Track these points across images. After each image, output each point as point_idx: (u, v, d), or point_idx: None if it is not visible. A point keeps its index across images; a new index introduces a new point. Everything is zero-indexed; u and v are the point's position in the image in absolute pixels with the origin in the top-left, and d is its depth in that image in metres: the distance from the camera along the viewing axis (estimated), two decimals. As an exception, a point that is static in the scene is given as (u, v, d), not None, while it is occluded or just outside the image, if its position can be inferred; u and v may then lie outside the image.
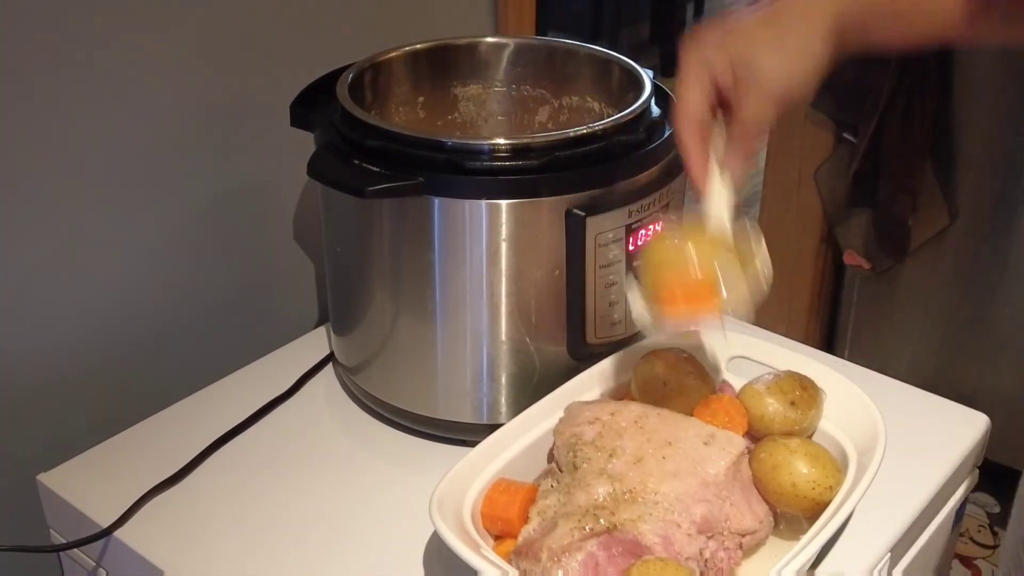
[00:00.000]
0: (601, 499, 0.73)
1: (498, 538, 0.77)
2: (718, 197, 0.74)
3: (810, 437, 0.83)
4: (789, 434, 0.80)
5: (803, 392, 0.81)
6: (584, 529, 0.72)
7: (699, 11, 4.42)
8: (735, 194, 0.73)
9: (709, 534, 0.73)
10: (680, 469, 0.75)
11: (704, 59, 0.72)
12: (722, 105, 0.73)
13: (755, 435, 0.82)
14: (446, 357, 0.90)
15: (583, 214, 0.84)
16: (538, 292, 0.87)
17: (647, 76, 0.95)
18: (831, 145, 1.73)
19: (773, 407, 0.80)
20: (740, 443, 0.77)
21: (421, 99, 1.03)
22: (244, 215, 1.05)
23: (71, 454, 0.92)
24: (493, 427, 0.82)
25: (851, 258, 1.76)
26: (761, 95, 0.70)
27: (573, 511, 0.73)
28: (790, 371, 0.83)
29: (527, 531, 0.75)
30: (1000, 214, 1.62)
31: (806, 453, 0.77)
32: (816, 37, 0.70)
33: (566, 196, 0.84)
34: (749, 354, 0.86)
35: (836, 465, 0.77)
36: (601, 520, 0.72)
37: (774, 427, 0.80)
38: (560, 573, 0.70)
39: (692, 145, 0.73)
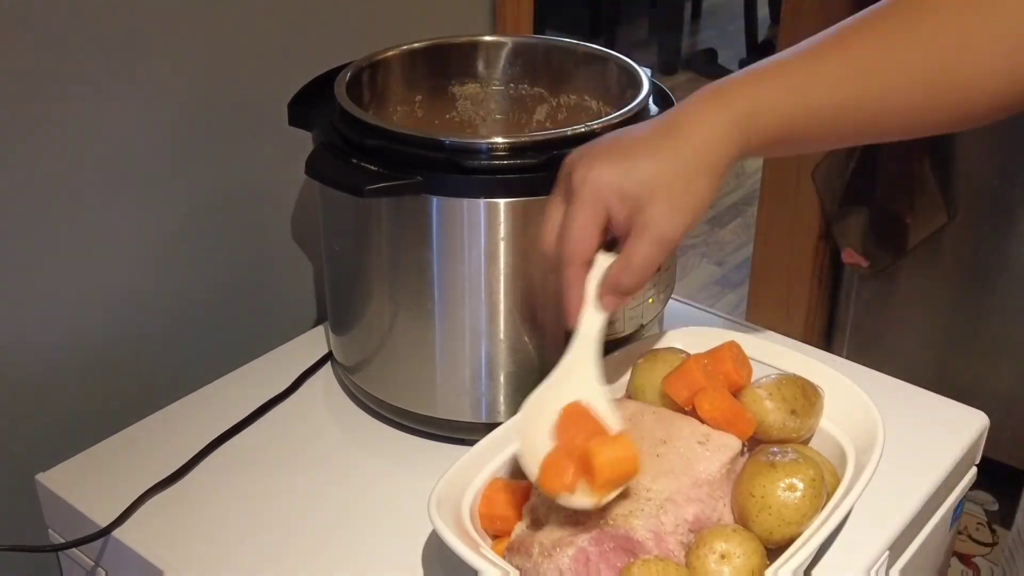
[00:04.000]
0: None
1: (496, 537, 0.77)
2: (587, 328, 0.76)
3: (808, 440, 0.83)
4: (786, 441, 0.80)
5: (805, 400, 0.81)
6: (575, 524, 0.72)
7: (697, 10, 4.42)
8: (604, 328, 0.75)
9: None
10: (674, 467, 0.75)
11: (601, 197, 0.71)
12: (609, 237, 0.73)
13: (753, 437, 0.82)
14: (445, 356, 0.90)
15: (581, 213, 0.83)
16: (537, 291, 0.87)
17: (645, 74, 0.95)
18: (829, 144, 1.73)
19: (773, 415, 0.80)
20: (735, 444, 0.77)
21: (419, 98, 1.03)
22: (242, 214, 1.05)
23: (70, 454, 0.92)
24: (492, 426, 0.81)
25: (849, 256, 1.76)
26: (653, 245, 0.71)
27: (564, 507, 0.73)
28: (793, 376, 0.83)
29: (520, 528, 0.75)
30: (998, 212, 1.62)
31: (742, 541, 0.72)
32: (712, 191, 0.71)
33: (564, 195, 0.83)
34: (748, 352, 0.86)
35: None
36: (593, 516, 0.72)
37: (772, 434, 0.80)
38: (551, 568, 0.70)
39: (574, 283, 0.74)
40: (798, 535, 0.73)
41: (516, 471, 0.80)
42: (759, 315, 1.92)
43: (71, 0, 0.85)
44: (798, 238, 1.83)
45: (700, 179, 0.70)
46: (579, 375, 0.75)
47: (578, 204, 0.71)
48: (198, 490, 0.88)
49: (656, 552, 0.71)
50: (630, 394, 0.86)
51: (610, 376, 0.88)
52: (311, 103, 0.93)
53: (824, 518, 0.73)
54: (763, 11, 4.05)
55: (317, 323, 1.13)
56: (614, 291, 0.74)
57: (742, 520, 0.74)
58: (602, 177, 0.70)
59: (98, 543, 0.85)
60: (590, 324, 0.76)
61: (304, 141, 0.91)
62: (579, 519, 0.72)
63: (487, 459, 0.79)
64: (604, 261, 0.74)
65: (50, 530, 0.92)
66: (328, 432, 0.96)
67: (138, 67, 0.91)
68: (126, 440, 0.94)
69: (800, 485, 0.73)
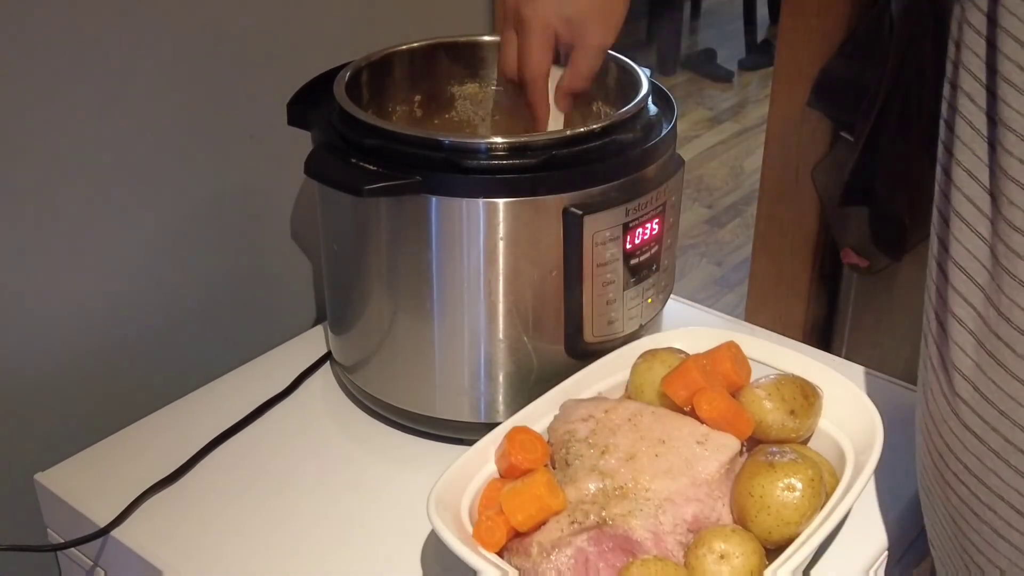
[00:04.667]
0: (591, 495, 0.74)
1: (496, 537, 0.77)
2: (553, 127, 0.92)
3: (807, 440, 0.83)
4: (785, 441, 0.80)
5: (804, 401, 0.81)
6: (574, 524, 0.72)
7: (696, 10, 4.42)
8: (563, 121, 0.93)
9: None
10: (673, 467, 0.75)
11: (549, 24, 0.86)
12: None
13: (752, 437, 0.82)
14: (444, 356, 0.90)
15: (580, 213, 0.84)
16: (536, 291, 0.87)
17: (644, 75, 0.95)
18: (828, 144, 1.74)
19: (772, 416, 0.80)
20: (734, 444, 0.77)
21: (418, 98, 1.03)
22: (241, 214, 1.05)
23: (68, 453, 0.92)
24: (491, 426, 0.81)
25: (848, 256, 1.76)
26: (595, 54, 0.88)
27: (564, 506, 0.73)
28: (792, 376, 0.83)
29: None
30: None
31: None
32: (626, 7, 0.87)
33: (563, 195, 0.84)
34: (747, 352, 0.86)
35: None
36: (591, 515, 0.72)
37: (771, 434, 0.80)
38: (550, 568, 0.70)
39: (540, 96, 0.90)
40: (797, 535, 0.73)
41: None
42: (758, 315, 1.92)
43: (69, 0, 0.85)
44: (797, 238, 1.83)
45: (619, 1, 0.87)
46: None
47: (532, 33, 0.86)
48: (197, 490, 0.88)
49: (655, 552, 0.71)
50: (629, 394, 0.86)
51: (610, 376, 0.88)
52: (310, 103, 0.93)
53: (823, 518, 0.73)
54: (762, 11, 4.05)
55: (316, 323, 1.13)
56: (568, 93, 0.91)
57: (741, 520, 0.74)
58: (547, 8, 0.86)
59: (97, 543, 0.85)
60: (555, 125, 0.92)
61: (303, 141, 0.91)
62: (578, 519, 0.72)
63: (486, 459, 0.79)
64: (556, 73, 0.90)
65: (49, 530, 0.92)
66: (327, 432, 0.96)
67: (137, 67, 0.91)
68: (125, 440, 0.94)
69: (799, 485, 0.73)
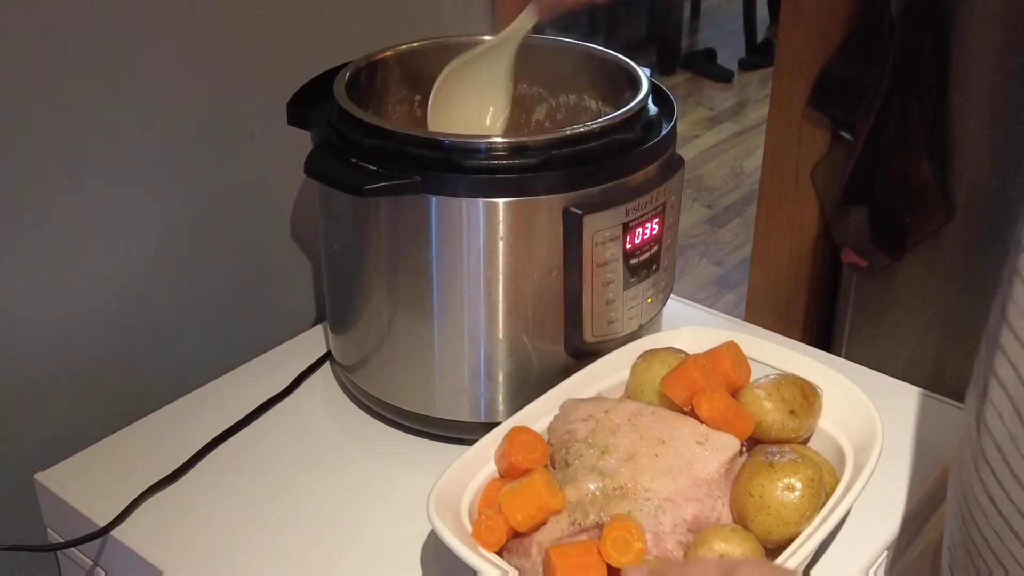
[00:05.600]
0: (591, 494, 0.74)
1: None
2: (519, 26, 0.91)
3: (807, 440, 0.83)
4: (784, 441, 0.80)
5: (804, 401, 0.81)
6: (574, 524, 0.72)
7: (696, 10, 4.42)
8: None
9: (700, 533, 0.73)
10: (672, 467, 0.75)
11: None
12: None
13: (751, 437, 0.82)
14: (443, 356, 0.90)
15: (580, 212, 0.84)
16: (535, 290, 0.87)
17: (644, 74, 0.95)
18: (828, 144, 1.74)
19: (772, 416, 0.80)
20: (734, 444, 0.77)
21: (418, 98, 1.03)
22: (241, 214, 1.05)
23: (68, 453, 0.92)
24: (490, 425, 0.82)
25: (848, 256, 1.76)
26: None
27: (563, 506, 0.73)
28: (792, 376, 0.83)
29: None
30: (997, 212, 1.62)
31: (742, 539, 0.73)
32: None
33: (563, 195, 0.84)
34: (747, 352, 0.86)
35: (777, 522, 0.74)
36: (591, 515, 0.72)
37: (771, 434, 0.80)
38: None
39: None
40: (797, 535, 0.73)
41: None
42: (758, 315, 1.91)
43: (69, 1, 0.85)
44: (797, 238, 1.83)
45: None
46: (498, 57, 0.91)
47: None
48: (197, 489, 0.88)
49: (655, 552, 0.71)
50: (629, 394, 0.86)
51: (609, 376, 0.88)
52: (310, 103, 0.93)
53: (823, 518, 0.73)
54: (762, 11, 4.05)
55: (316, 323, 1.13)
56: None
57: (741, 520, 0.74)
58: None
59: (97, 542, 0.85)
60: (522, 24, 0.91)
61: (303, 141, 0.91)
62: (577, 519, 0.72)
63: (486, 459, 0.79)
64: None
65: (49, 529, 0.92)
66: (327, 432, 0.96)
67: (137, 67, 0.91)
68: (125, 439, 0.94)
69: (798, 485, 0.73)
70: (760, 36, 4.05)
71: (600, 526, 0.71)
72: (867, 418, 0.82)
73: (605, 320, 0.90)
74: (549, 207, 0.84)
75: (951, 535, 0.70)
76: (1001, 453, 0.62)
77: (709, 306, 1.17)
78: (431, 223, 0.84)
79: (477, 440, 0.80)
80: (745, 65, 3.98)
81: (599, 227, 0.85)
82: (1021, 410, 0.61)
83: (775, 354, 0.88)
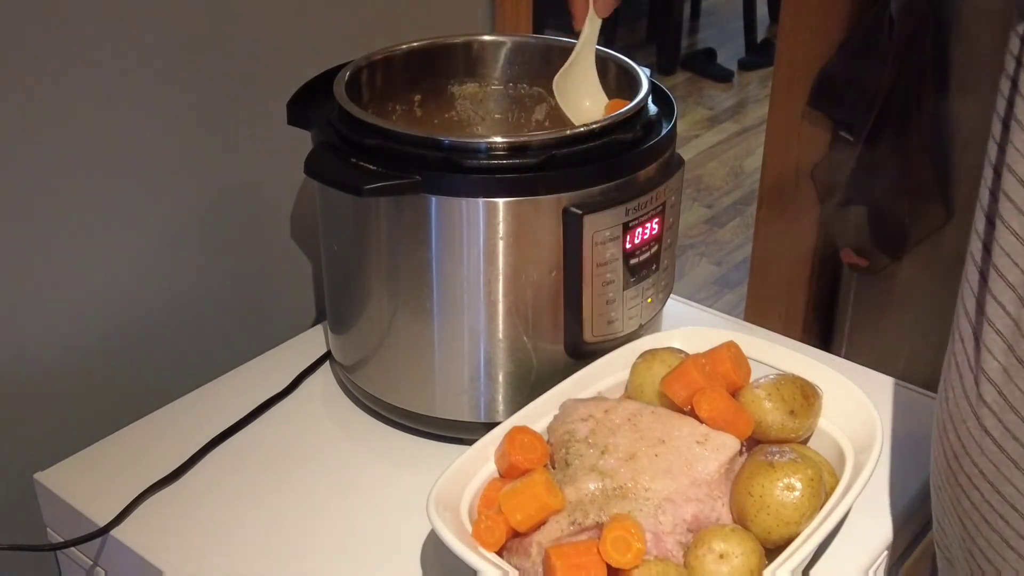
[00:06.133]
0: (591, 494, 0.74)
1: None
2: (590, 29, 0.94)
3: (807, 440, 0.83)
4: (784, 441, 0.80)
5: (804, 401, 0.81)
6: (574, 524, 0.72)
7: (696, 10, 4.42)
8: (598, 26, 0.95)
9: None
10: (672, 467, 0.75)
11: None
12: None
13: (751, 437, 0.82)
14: (443, 355, 0.90)
15: (580, 212, 0.84)
16: (535, 290, 0.87)
17: (644, 74, 0.95)
18: (828, 143, 1.73)
19: (772, 416, 0.80)
20: (734, 444, 0.77)
21: (418, 97, 1.03)
22: (241, 213, 1.05)
23: (68, 453, 0.92)
24: (490, 425, 0.81)
25: (848, 256, 1.76)
26: None
27: (563, 506, 0.73)
28: (792, 376, 0.83)
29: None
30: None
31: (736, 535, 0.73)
32: None
33: (563, 194, 0.84)
34: (747, 352, 0.86)
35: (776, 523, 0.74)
36: (591, 515, 0.72)
37: (771, 434, 0.80)
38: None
39: (580, 4, 0.92)
40: (796, 535, 0.73)
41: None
42: (758, 315, 1.91)
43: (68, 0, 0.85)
44: (797, 238, 1.83)
45: None
46: (584, 59, 0.96)
47: None
48: (197, 489, 0.88)
49: (654, 552, 0.71)
50: (629, 393, 0.86)
51: (609, 376, 0.88)
52: (310, 102, 0.93)
53: (822, 518, 0.73)
54: (762, 11, 4.05)
55: (316, 322, 1.13)
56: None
57: (740, 520, 0.74)
58: None
59: (96, 542, 0.85)
60: (591, 28, 0.94)
61: (303, 140, 0.91)
62: (577, 519, 0.72)
63: (486, 458, 0.79)
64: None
65: (48, 529, 0.92)
66: (327, 431, 0.96)
67: (137, 66, 0.91)
68: (124, 439, 0.94)
69: (798, 485, 0.73)
70: (760, 36, 4.05)
71: (600, 526, 0.71)
72: (867, 418, 0.82)
73: (605, 320, 0.90)
74: (549, 207, 0.84)
75: (938, 473, 0.71)
76: (995, 386, 0.63)
77: (709, 306, 1.17)
78: (431, 223, 0.84)
79: (477, 440, 0.80)
80: (745, 65, 3.98)
81: (599, 227, 0.85)
82: (1014, 345, 0.62)
83: (775, 354, 0.88)
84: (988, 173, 0.64)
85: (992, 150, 0.63)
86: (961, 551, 0.69)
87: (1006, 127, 0.62)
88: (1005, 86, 0.63)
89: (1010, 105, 0.62)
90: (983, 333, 0.63)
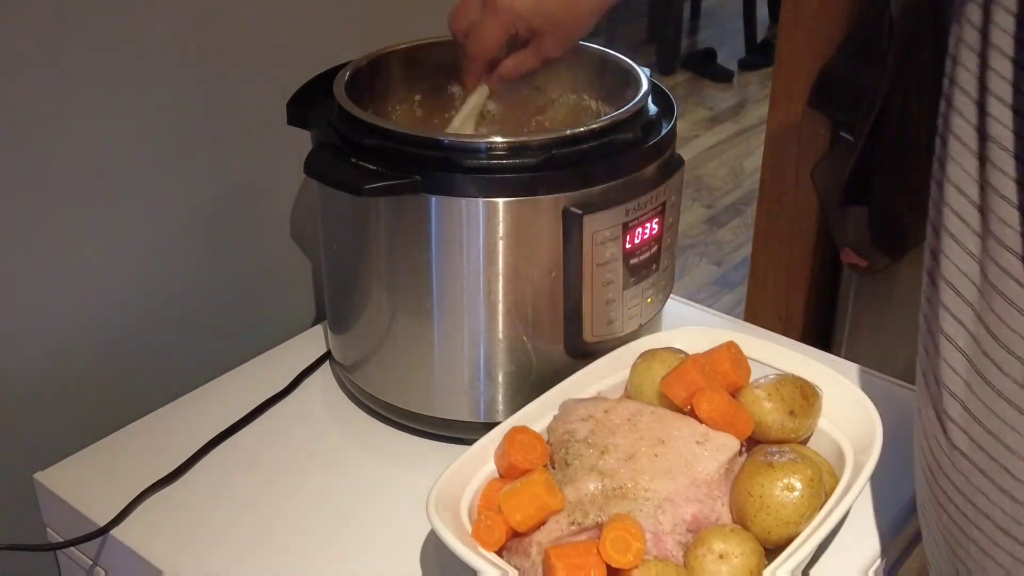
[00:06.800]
0: (591, 494, 0.74)
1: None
2: (478, 98, 0.96)
3: (806, 440, 0.83)
4: (784, 441, 0.80)
5: (804, 401, 0.81)
6: (573, 524, 0.72)
7: (696, 10, 4.42)
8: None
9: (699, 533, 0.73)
10: (672, 467, 0.75)
11: (514, 17, 0.88)
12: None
13: (751, 437, 0.82)
14: (443, 355, 0.90)
15: (580, 212, 0.84)
16: (535, 290, 0.87)
17: (644, 74, 0.95)
18: (828, 144, 1.74)
19: (772, 416, 0.80)
20: (733, 444, 0.77)
21: (418, 97, 1.03)
22: (241, 213, 1.05)
23: (68, 452, 0.92)
24: (490, 425, 0.82)
25: (848, 257, 1.76)
26: (536, 59, 0.91)
27: (563, 506, 0.73)
28: (791, 376, 0.83)
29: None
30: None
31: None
32: (594, 22, 0.89)
33: (563, 194, 0.84)
34: (746, 352, 0.86)
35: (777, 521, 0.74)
36: (591, 515, 0.72)
37: (770, 434, 0.80)
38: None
39: (475, 71, 0.93)
40: (796, 535, 0.73)
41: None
42: (757, 315, 1.91)
43: (68, 0, 0.85)
44: (797, 238, 1.83)
45: (590, 17, 0.89)
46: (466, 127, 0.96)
47: (496, 18, 0.88)
48: (196, 489, 0.88)
49: (654, 552, 0.71)
50: (628, 394, 0.86)
51: (609, 376, 0.88)
52: (310, 102, 0.93)
53: (822, 518, 0.73)
54: (762, 11, 4.05)
55: (316, 322, 1.13)
56: (503, 80, 0.94)
57: (740, 520, 0.74)
58: (522, 4, 0.87)
59: (96, 542, 0.85)
60: (478, 97, 0.96)
61: (303, 140, 0.91)
62: (577, 519, 0.72)
63: (485, 459, 0.79)
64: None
65: (48, 529, 0.92)
66: (326, 432, 0.96)
67: (137, 66, 0.91)
68: (124, 439, 0.94)
69: (798, 485, 0.73)
70: (760, 36, 4.05)
71: (600, 526, 0.71)
72: (867, 418, 0.82)
73: (605, 320, 0.90)
74: (549, 207, 0.84)
75: (920, 490, 0.71)
76: (958, 400, 0.63)
77: (709, 306, 1.17)
78: (431, 223, 0.84)
79: (477, 440, 0.80)
80: (745, 65, 3.98)
81: (599, 227, 0.85)
82: (974, 360, 0.62)
83: (775, 354, 0.88)
84: (933, 187, 0.64)
85: (936, 164, 0.64)
86: (948, 564, 0.69)
87: (943, 140, 0.63)
88: (942, 105, 0.64)
89: (948, 102, 0.62)
90: (941, 347, 0.64)
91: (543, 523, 0.73)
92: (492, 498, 0.76)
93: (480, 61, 0.92)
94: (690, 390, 0.79)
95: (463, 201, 0.83)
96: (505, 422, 0.81)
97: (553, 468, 0.78)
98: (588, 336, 0.90)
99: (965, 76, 0.61)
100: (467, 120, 0.96)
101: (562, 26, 0.89)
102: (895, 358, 1.80)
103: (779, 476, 0.73)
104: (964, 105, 0.60)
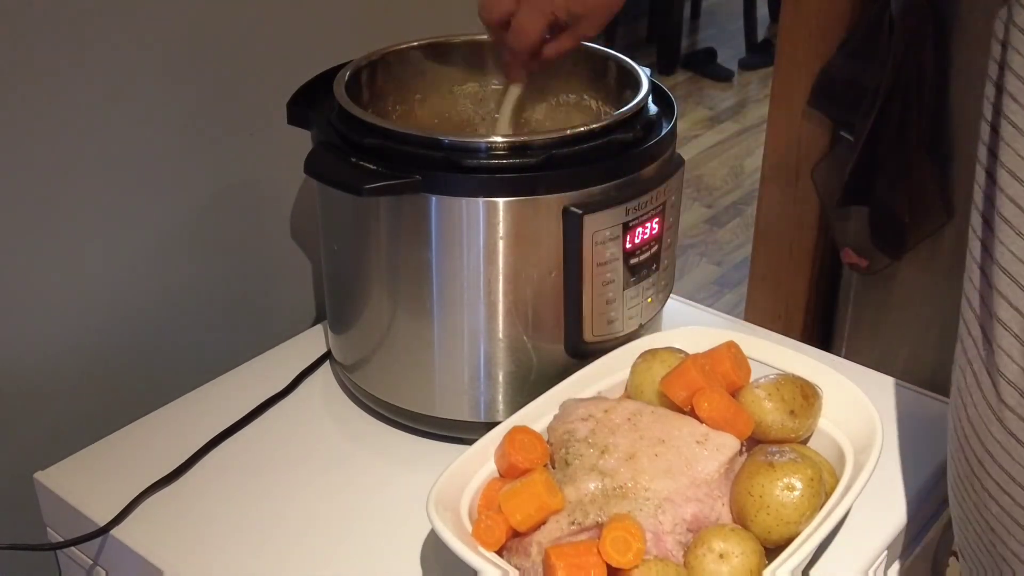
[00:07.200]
0: (591, 494, 0.74)
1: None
2: (515, 94, 0.97)
3: (807, 440, 0.83)
4: (784, 441, 0.80)
5: (804, 401, 0.81)
6: (573, 524, 0.72)
7: (696, 10, 4.42)
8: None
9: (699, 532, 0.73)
10: (672, 467, 0.75)
11: (553, 7, 0.88)
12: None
13: (751, 437, 0.82)
14: (443, 355, 0.90)
15: (580, 212, 0.84)
16: (535, 290, 0.87)
17: (644, 74, 0.95)
18: (828, 144, 1.73)
19: (772, 416, 0.80)
20: (734, 444, 0.77)
21: (418, 97, 1.03)
22: (241, 213, 1.05)
23: (68, 452, 0.92)
24: (490, 425, 0.82)
25: (848, 256, 1.76)
26: (573, 42, 0.92)
27: (563, 506, 0.73)
28: (792, 376, 0.83)
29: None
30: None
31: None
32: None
33: (563, 194, 0.84)
34: (747, 352, 0.86)
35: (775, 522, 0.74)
36: (591, 515, 0.72)
37: (771, 434, 0.80)
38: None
39: (517, 63, 0.94)
40: (796, 535, 0.73)
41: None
42: (758, 315, 1.91)
43: (67, 1, 0.85)
44: (797, 238, 1.83)
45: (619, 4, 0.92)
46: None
47: (533, 8, 0.89)
48: (197, 489, 0.88)
49: (654, 552, 0.71)
50: (629, 393, 0.86)
51: (609, 375, 0.88)
52: (310, 102, 0.93)
53: (822, 518, 0.73)
54: (762, 10, 4.05)
55: (316, 322, 1.13)
56: (544, 66, 0.95)
57: (740, 520, 0.74)
58: None
59: (96, 542, 0.85)
60: (517, 89, 0.97)
61: (303, 140, 0.91)
62: (577, 519, 0.72)
63: (485, 458, 0.79)
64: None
65: (48, 529, 0.92)
66: (327, 431, 0.96)
67: (137, 66, 0.91)
68: (125, 439, 0.94)
69: (798, 485, 0.73)
70: (760, 36, 4.05)
71: (600, 526, 0.71)
72: (867, 418, 0.82)
73: (605, 320, 0.90)
74: (549, 207, 0.84)
75: (959, 483, 0.70)
76: (1018, 390, 0.62)
77: (709, 306, 1.17)
78: (431, 223, 0.84)
79: (477, 440, 0.80)
80: (745, 65, 3.98)
81: (599, 227, 0.85)
82: None
83: (775, 354, 0.88)
84: (981, 176, 0.64)
85: (984, 152, 0.63)
86: (989, 558, 0.68)
87: (994, 128, 0.62)
88: (990, 91, 0.63)
89: (999, 92, 0.61)
90: (996, 337, 0.63)
91: (543, 523, 0.73)
92: (492, 498, 0.76)
93: (524, 53, 0.92)
94: (690, 390, 0.79)
95: (463, 201, 0.83)
96: (505, 422, 0.81)
97: (553, 468, 0.78)
98: (588, 336, 0.90)
99: (1020, 61, 0.60)
100: (511, 114, 0.98)
101: (599, 7, 0.90)
102: (895, 358, 1.80)
103: (779, 476, 0.73)
104: (1018, 90, 0.60)
